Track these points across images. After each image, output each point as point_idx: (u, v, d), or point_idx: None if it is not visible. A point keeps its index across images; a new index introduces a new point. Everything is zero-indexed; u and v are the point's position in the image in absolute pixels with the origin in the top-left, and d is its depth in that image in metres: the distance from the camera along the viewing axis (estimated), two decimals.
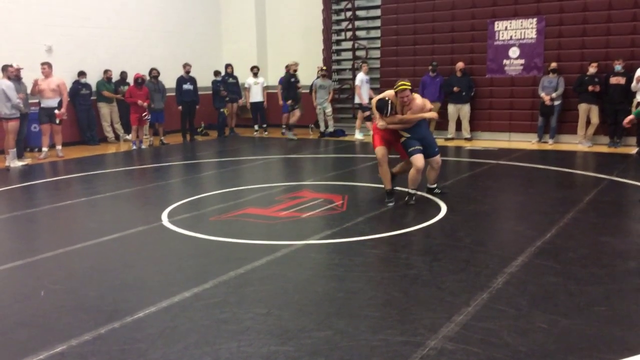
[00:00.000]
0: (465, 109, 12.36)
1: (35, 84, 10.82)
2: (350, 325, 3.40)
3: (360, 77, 12.79)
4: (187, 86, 13.32)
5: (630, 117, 6.80)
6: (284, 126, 14.17)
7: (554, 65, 11.50)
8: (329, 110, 13.59)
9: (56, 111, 10.89)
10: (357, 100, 12.98)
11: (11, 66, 10.20)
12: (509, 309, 3.61)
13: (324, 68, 13.75)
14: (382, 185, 6.80)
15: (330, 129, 13.66)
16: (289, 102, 13.29)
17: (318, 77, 13.60)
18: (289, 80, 13.31)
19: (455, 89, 12.16)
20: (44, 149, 11.11)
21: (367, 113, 12.34)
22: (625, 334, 3.27)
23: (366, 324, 3.43)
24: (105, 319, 3.54)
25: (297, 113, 13.39)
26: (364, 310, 3.63)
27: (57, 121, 10.98)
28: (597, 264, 4.50)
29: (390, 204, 6.48)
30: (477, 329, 3.32)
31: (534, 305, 3.68)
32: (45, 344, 3.21)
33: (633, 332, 3.29)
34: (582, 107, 11.15)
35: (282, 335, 3.29)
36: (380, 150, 6.57)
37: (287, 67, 13.45)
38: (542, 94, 11.52)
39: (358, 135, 13.09)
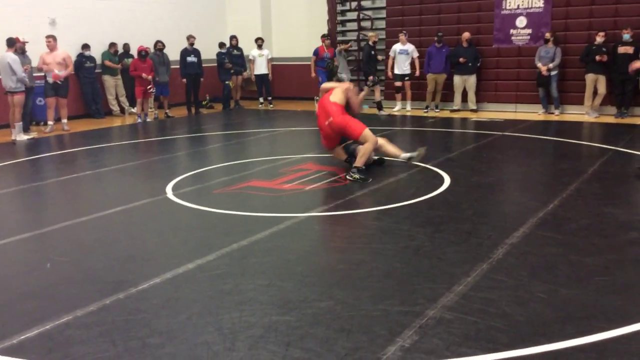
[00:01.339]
0: (472, 80, 12.24)
1: (42, 58, 10.80)
2: (351, 296, 3.45)
3: (394, 47, 12.52)
4: (192, 59, 13.26)
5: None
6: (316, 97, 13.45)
7: (548, 35, 11.34)
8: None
9: (55, 71, 10.81)
10: (396, 70, 12.53)
11: (18, 39, 10.17)
12: (508, 279, 3.64)
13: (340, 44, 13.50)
14: (389, 158, 6.84)
15: None
16: (371, 77, 11.96)
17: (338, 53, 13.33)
18: (370, 53, 12.35)
19: (461, 59, 12.04)
20: (50, 122, 11.15)
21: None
22: (623, 303, 3.29)
23: (367, 294, 3.47)
24: (110, 290, 3.60)
25: (378, 89, 12.42)
26: (364, 281, 3.68)
27: (51, 80, 10.87)
28: (599, 234, 4.51)
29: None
30: (476, 299, 3.36)
31: (533, 275, 3.70)
32: (51, 315, 3.28)
33: (630, 302, 3.32)
34: (590, 78, 11.03)
35: (283, 306, 3.34)
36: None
37: (367, 37, 12.63)
38: (539, 65, 11.39)
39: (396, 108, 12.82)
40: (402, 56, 12.51)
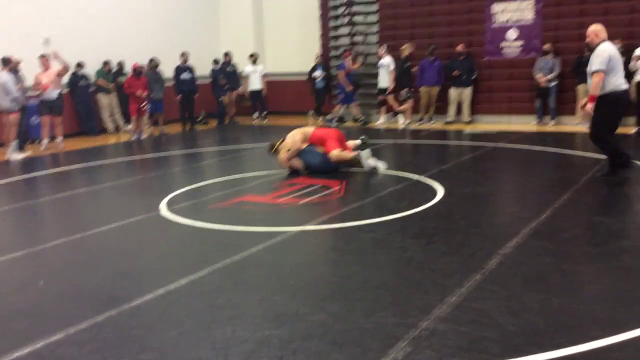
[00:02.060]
0: (467, 93, 12.33)
1: (36, 78, 10.84)
2: (344, 308, 3.45)
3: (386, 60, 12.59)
4: (185, 75, 13.32)
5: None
6: (328, 117, 13.33)
7: (547, 46, 11.45)
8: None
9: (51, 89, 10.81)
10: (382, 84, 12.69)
11: (11, 59, 10.20)
12: (501, 289, 3.64)
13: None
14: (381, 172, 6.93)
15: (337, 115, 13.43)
16: (405, 90, 12.19)
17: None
18: (403, 66, 12.37)
19: (454, 73, 12.13)
20: (45, 140, 11.15)
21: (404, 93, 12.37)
22: (615, 311, 3.30)
23: (359, 306, 3.47)
24: (103, 307, 3.59)
25: (410, 103, 12.42)
26: (357, 293, 3.68)
27: (39, 93, 10.83)
28: (591, 243, 4.53)
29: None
30: (468, 309, 3.36)
31: (526, 285, 3.71)
32: (42, 333, 3.27)
33: (622, 310, 3.32)
34: (581, 88, 11.09)
35: (276, 320, 3.33)
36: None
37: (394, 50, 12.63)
38: (538, 75, 11.48)
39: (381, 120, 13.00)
40: (382, 70, 12.62)
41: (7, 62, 10.00)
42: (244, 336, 3.14)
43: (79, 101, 12.79)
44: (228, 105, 14.38)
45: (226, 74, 14.16)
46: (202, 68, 14.33)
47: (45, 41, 12.25)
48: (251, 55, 14.48)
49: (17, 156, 10.04)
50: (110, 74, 13.31)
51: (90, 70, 13.04)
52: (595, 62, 6.10)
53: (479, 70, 12.49)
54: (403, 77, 12.40)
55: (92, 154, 10.49)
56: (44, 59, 10.91)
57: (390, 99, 12.56)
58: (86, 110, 12.94)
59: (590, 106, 6.23)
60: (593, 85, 6.12)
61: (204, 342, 3.09)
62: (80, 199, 7.05)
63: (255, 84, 14.39)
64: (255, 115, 14.71)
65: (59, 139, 11.23)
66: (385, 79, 12.58)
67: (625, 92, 6.38)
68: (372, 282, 3.88)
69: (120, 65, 13.50)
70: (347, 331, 3.16)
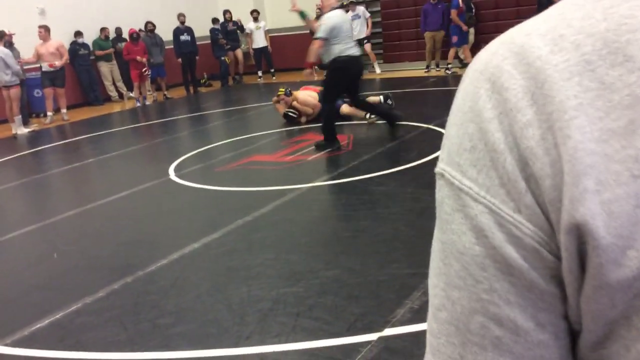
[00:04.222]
0: (469, 35, 12.00)
1: (35, 49, 10.71)
2: (358, 263, 3.43)
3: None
4: (185, 37, 13.11)
5: None
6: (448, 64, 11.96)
7: None
8: None
9: (56, 62, 10.74)
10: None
11: (4, 32, 10.08)
12: None
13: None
14: (384, 122, 6.94)
15: None
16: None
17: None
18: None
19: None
20: (49, 113, 11.11)
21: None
22: None
23: (373, 259, 3.46)
24: (118, 275, 3.61)
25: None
26: (371, 247, 3.66)
27: (46, 67, 10.81)
28: None
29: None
30: None
31: None
32: (61, 304, 3.29)
33: None
34: None
35: (291, 278, 3.33)
36: None
37: None
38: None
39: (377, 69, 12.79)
40: (356, 21, 12.08)
41: (1, 35, 9.87)
42: (259, 295, 3.15)
43: (81, 70, 12.68)
44: (232, 65, 14.18)
45: (227, 32, 13.90)
46: (201, 29, 14.08)
47: (41, 11, 12.08)
48: (253, 12, 14.16)
49: (23, 130, 10.03)
50: (108, 40, 13.14)
51: (89, 39, 12.87)
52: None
53: (485, 11, 12.11)
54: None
55: (98, 124, 10.45)
56: (41, 30, 10.75)
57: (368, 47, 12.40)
58: (88, 80, 12.84)
59: None
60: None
61: (220, 304, 3.10)
62: (90, 169, 7.05)
63: (259, 41, 14.11)
64: (260, 73, 14.50)
65: (63, 110, 11.19)
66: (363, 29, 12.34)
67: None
68: (385, 234, 3.85)
69: (119, 32, 13.30)
70: (362, 284, 3.15)
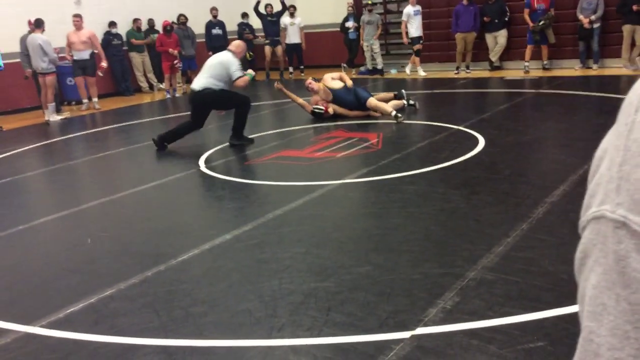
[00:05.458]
0: (501, 36, 11.88)
1: (68, 37, 10.88)
2: (390, 260, 3.43)
3: (407, 10, 12.20)
4: (216, 31, 13.19)
5: None
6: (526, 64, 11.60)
7: None
8: (376, 46, 12.99)
9: (103, 64, 10.91)
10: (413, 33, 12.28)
11: (43, 21, 10.23)
12: (549, 238, 3.56)
13: (370, 2, 13.12)
14: (415, 122, 6.80)
15: (379, 66, 13.06)
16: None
17: (364, 13, 13.03)
18: None
19: (485, 18, 11.71)
20: (85, 100, 11.27)
21: (418, 46, 12.08)
22: None
23: (405, 258, 3.45)
24: (151, 263, 3.65)
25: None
26: (402, 245, 3.65)
27: (100, 74, 11.06)
28: None
29: None
30: (517, 258, 3.30)
31: (575, 233, 3.54)
32: (95, 288, 3.35)
33: None
34: (627, 29, 10.59)
35: (321, 272, 3.34)
36: None
37: None
38: (581, 17, 10.97)
39: (407, 70, 12.74)
40: (417, 17, 12.18)
41: (41, 23, 10.02)
42: (291, 289, 3.16)
43: (113, 60, 12.82)
44: (270, 61, 13.93)
45: (268, 24, 13.67)
46: (233, 24, 14.14)
47: (77, 1, 12.26)
48: (290, 7, 14.08)
49: (55, 118, 10.19)
50: (141, 32, 13.27)
51: (122, 29, 13.02)
52: None
53: (517, 14, 11.97)
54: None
55: (128, 114, 10.58)
56: (76, 19, 10.90)
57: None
58: (121, 70, 12.99)
59: None
60: None
61: (252, 295, 3.12)
62: (120, 158, 7.14)
63: (293, 37, 13.96)
64: (291, 69, 14.42)
65: (94, 99, 11.34)
66: (418, 27, 12.23)
67: None
68: (416, 233, 3.84)
69: (151, 23, 13.43)
70: (394, 282, 3.14)
